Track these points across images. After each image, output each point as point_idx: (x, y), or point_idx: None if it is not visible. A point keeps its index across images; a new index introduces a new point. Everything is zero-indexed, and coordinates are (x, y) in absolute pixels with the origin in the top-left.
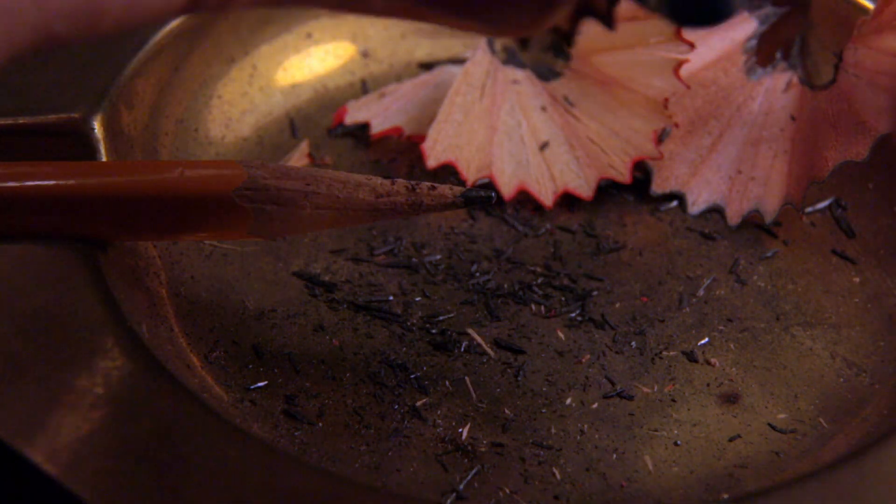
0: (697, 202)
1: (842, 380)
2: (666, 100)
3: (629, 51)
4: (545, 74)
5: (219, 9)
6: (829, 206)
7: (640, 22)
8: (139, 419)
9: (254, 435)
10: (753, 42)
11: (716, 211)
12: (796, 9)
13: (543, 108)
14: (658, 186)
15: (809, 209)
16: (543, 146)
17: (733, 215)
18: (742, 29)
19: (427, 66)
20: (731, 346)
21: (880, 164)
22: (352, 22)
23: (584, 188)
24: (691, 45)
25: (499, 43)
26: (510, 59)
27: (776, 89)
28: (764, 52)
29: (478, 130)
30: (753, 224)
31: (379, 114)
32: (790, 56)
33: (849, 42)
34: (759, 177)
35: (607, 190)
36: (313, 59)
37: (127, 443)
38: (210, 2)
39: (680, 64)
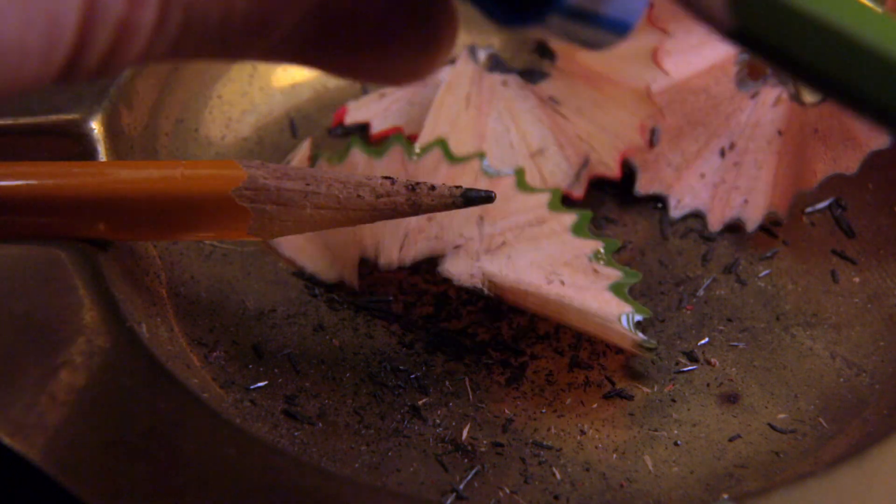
0: (679, 206)
1: (842, 380)
2: (648, 88)
3: None
4: (532, 76)
5: (95, 76)
6: (829, 206)
7: None
8: (139, 419)
9: (254, 435)
10: (746, 54)
11: (697, 216)
12: None
13: (531, 111)
14: (642, 187)
15: (809, 209)
16: (536, 154)
17: (714, 222)
18: None
19: None
20: (731, 346)
21: (880, 164)
22: None
23: (575, 188)
24: (664, 31)
25: (482, 50)
26: (495, 65)
27: (765, 103)
28: (756, 65)
29: (465, 140)
30: None
31: (379, 114)
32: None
33: None
34: (742, 186)
35: (608, 190)
36: None
37: (126, 442)
38: (85, 71)
39: (656, 50)
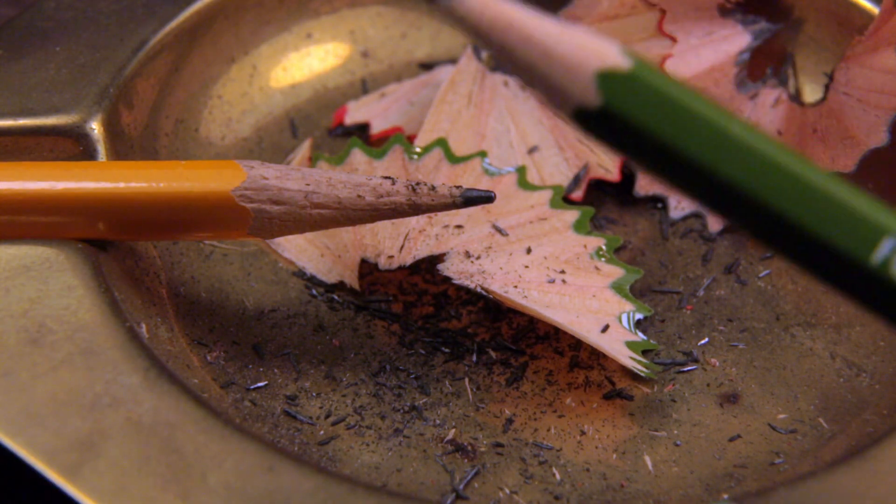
0: (680, 207)
1: (842, 380)
2: None
3: None
4: None
5: None
6: None
7: (622, 20)
8: (139, 419)
9: (254, 435)
10: (746, 56)
11: (697, 216)
12: (790, 26)
13: (532, 112)
14: (641, 188)
15: None
16: (532, 150)
17: (714, 222)
18: (735, 42)
19: (427, 66)
20: (731, 346)
21: (880, 164)
22: (351, 21)
23: (574, 191)
24: (673, 40)
25: (486, 51)
26: (498, 65)
27: (765, 104)
28: (755, 66)
29: (466, 138)
30: None
31: (379, 114)
32: (780, 73)
33: (840, 62)
34: None
35: (608, 190)
36: (313, 58)
37: (127, 442)
38: None
39: (664, 59)
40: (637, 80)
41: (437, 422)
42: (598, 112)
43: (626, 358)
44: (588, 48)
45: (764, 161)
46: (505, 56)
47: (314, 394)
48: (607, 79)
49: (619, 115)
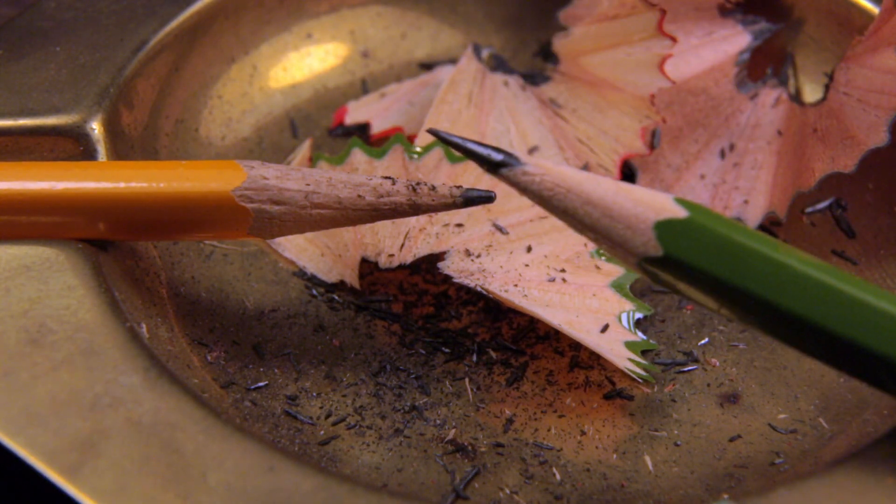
0: None
1: (842, 380)
2: (652, 96)
3: (614, 50)
4: (534, 79)
5: None
6: (829, 206)
7: (622, 20)
8: (139, 419)
9: (254, 435)
10: (746, 56)
11: None
12: (790, 26)
13: (532, 112)
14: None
15: (809, 209)
16: (532, 150)
17: None
18: (735, 42)
19: (427, 66)
20: (731, 346)
21: (880, 164)
22: (352, 22)
23: None
24: (673, 40)
25: (485, 49)
26: (498, 65)
27: (765, 104)
28: (755, 66)
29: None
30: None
31: (379, 114)
32: (780, 73)
33: (840, 62)
34: (742, 187)
35: None
36: (313, 58)
37: (127, 442)
38: None
39: (664, 59)
40: (693, 226)
41: (438, 422)
42: (662, 259)
43: (625, 361)
44: (645, 202)
45: (822, 287)
46: (568, 218)
47: (314, 394)
48: (666, 228)
49: (680, 259)
